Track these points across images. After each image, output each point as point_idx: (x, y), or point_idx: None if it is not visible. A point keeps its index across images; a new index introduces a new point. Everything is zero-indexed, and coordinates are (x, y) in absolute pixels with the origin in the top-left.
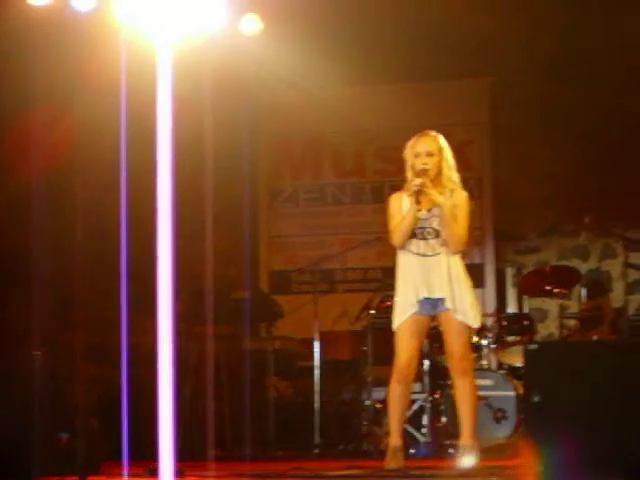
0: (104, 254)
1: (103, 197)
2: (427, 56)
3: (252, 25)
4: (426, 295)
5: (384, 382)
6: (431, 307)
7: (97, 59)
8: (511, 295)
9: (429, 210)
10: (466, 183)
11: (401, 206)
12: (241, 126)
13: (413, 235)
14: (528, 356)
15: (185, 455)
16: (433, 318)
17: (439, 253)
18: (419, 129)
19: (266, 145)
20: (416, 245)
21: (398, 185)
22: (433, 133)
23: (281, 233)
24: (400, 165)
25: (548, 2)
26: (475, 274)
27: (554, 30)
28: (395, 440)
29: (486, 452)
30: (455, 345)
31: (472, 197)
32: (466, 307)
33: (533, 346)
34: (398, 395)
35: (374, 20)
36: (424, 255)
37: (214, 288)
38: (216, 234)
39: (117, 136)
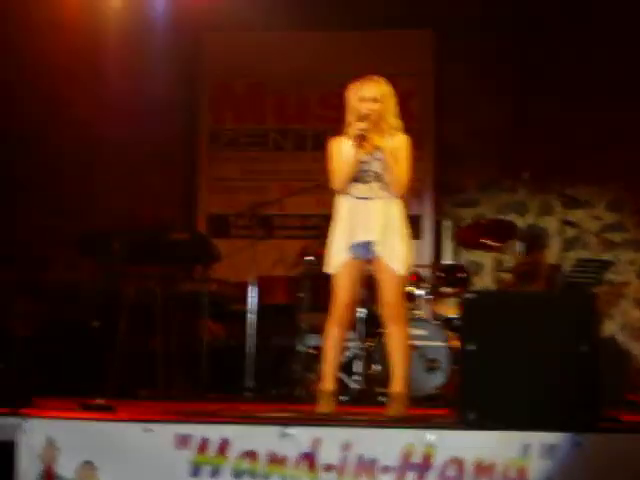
0: (40, 189)
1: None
2: (374, 4)
3: None
4: (362, 238)
5: (318, 329)
6: (366, 251)
7: None
8: (448, 247)
9: (371, 154)
10: (407, 134)
11: (341, 150)
12: (184, 67)
13: (354, 178)
14: (465, 305)
15: (117, 392)
16: (369, 262)
17: (380, 197)
18: (361, 77)
19: (209, 87)
20: (357, 188)
21: (339, 132)
22: (378, 78)
23: (221, 176)
24: (342, 113)
25: None
26: (413, 225)
27: None
28: (328, 385)
29: (417, 401)
30: (387, 292)
31: (414, 148)
32: (397, 254)
33: (470, 295)
34: (334, 338)
35: None
36: (365, 198)
37: (152, 228)
38: (155, 174)
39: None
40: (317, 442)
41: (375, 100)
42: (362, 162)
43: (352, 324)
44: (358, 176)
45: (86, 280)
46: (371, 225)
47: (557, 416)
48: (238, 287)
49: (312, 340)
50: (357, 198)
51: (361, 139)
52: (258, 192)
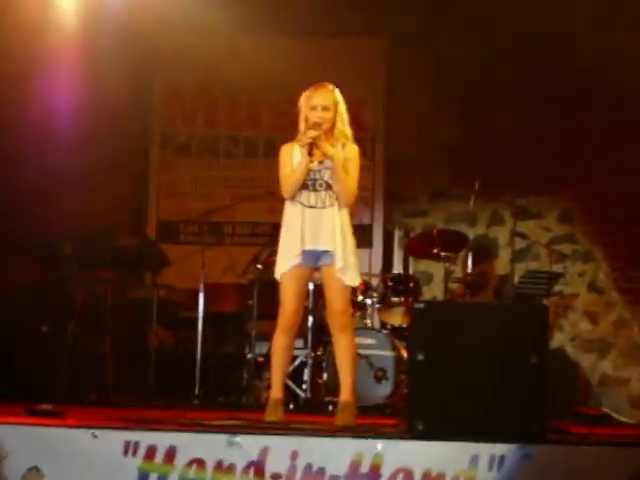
0: None
1: None
2: (326, 11)
3: None
4: (311, 247)
5: (267, 336)
6: (314, 259)
7: None
8: (397, 257)
9: (321, 162)
10: (358, 143)
11: (292, 157)
12: (136, 70)
13: (304, 186)
14: (415, 314)
15: (66, 398)
16: (315, 271)
17: (329, 206)
18: (314, 84)
19: (160, 91)
20: (306, 196)
21: (290, 140)
22: (330, 86)
23: (172, 182)
24: (294, 121)
25: None
26: (363, 234)
27: None
28: (276, 393)
29: (365, 410)
30: (335, 300)
31: (364, 157)
32: (348, 264)
33: (420, 305)
34: (282, 346)
35: None
36: (313, 207)
37: (103, 233)
38: (106, 179)
39: None
40: (265, 451)
41: (326, 108)
42: (313, 170)
43: (300, 332)
44: (308, 184)
45: (35, 284)
46: (321, 234)
47: (506, 427)
48: (187, 293)
49: (261, 348)
50: (306, 206)
51: (312, 147)
52: (208, 199)
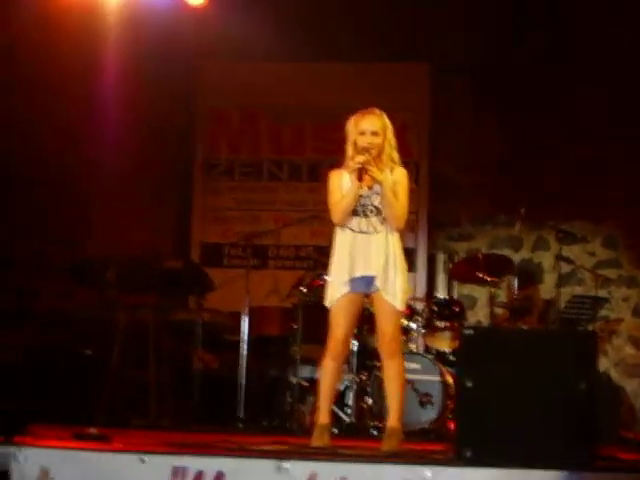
0: (37, 214)
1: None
2: (370, 37)
3: None
4: (362, 272)
5: (311, 360)
6: (365, 285)
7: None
8: (441, 281)
9: (370, 187)
10: (404, 167)
11: (341, 183)
12: (179, 96)
13: (354, 212)
14: (463, 340)
15: (110, 422)
16: (367, 297)
17: (379, 231)
18: (358, 109)
19: (204, 117)
20: (357, 222)
21: (335, 164)
22: (378, 111)
23: (216, 206)
24: (338, 144)
25: None
26: (407, 258)
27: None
28: (323, 418)
29: (410, 436)
30: (386, 326)
31: (410, 181)
32: (397, 289)
33: (469, 331)
34: (330, 372)
35: None
36: (364, 232)
37: (146, 257)
38: (150, 203)
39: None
40: (314, 477)
41: (375, 133)
42: (362, 196)
43: (347, 357)
44: (358, 210)
45: (79, 308)
46: (372, 259)
47: (554, 454)
48: (231, 317)
49: (305, 372)
50: (356, 232)
51: (362, 172)
52: (252, 222)
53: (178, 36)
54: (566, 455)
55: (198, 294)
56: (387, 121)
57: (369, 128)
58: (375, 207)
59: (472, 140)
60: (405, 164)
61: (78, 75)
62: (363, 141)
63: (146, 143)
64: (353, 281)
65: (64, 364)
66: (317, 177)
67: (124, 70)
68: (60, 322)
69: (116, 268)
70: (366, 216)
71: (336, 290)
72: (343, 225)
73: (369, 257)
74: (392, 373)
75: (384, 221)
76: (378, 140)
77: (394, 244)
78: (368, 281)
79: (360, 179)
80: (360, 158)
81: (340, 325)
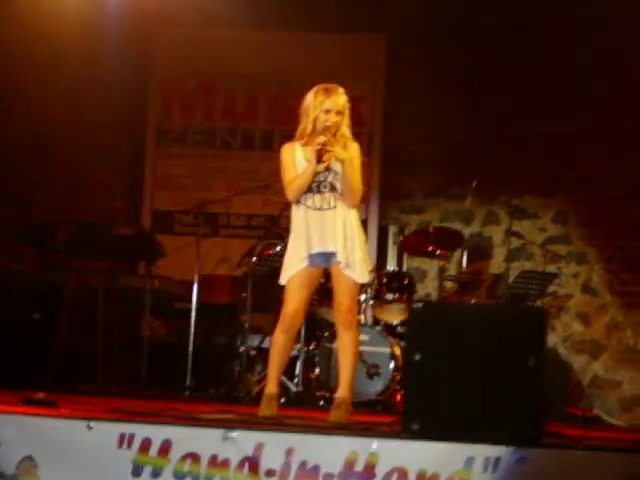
0: None
1: None
2: (327, 7)
3: None
4: (319, 249)
5: (260, 329)
6: (324, 260)
7: None
8: (391, 253)
9: (328, 166)
10: (356, 138)
11: (295, 157)
12: (134, 61)
13: (308, 189)
14: (412, 314)
15: (58, 387)
16: (325, 270)
17: (335, 207)
18: (313, 79)
19: (159, 83)
20: (312, 199)
21: (288, 133)
22: (341, 89)
23: (168, 173)
24: (292, 114)
25: None
26: None
27: None
28: (271, 388)
29: (358, 407)
30: (343, 298)
31: (362, 153)
32: (356, 262)
33: (418, 305)
34: (281, 344)
35: None
36: (320, 209)
37: (97, 223)
38: (102, 167)
39: None
40: (260, 447)
41: (339, 113)
42: (317, 173)
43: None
44: (312, 187)
45: (28, 271)
46: (328, 235)
47: (502, 429)
48: (182, 285)
49: (253, 341)
50: (311, 209)
51: (322, 152)
52: (204, 190)
53: (138, 5)
54: (514, 430)
55: (148, 261)
56: (347, 98)
57: (334, 107)
58: (329, 183)
59: (427, 112)
60: (358, 134)
61: (37, 35)
62: (328, 120)
63: (101, 108)
64: (311, 257)
65: (12, 328)
66: (270, 146)
67: (78, 36)
68: (8, 285)
69: (66, 232)
70: (321, 192)
71: (292, 267)
72: (298, 202)
73: (325, 233)
74: (346, 344)
75: (340, 197)
76: (340, 119)
77: (351, 218)
78: (327, 257)
79: (320, 160)
80: (321, 138)
81: (294, 299)
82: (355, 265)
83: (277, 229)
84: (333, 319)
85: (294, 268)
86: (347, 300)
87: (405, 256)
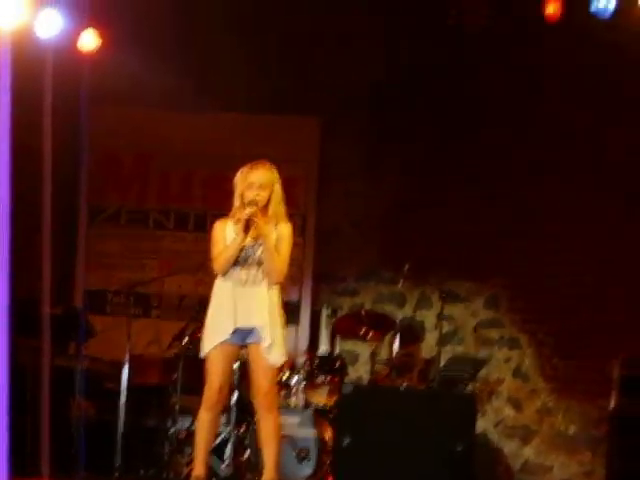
0: None
1: None
2: (263, 88)
3: (90, 40)
4: (241, 324)
5: (191, 411)
6: (242, 337)
7: None
8: (324, 335)
9: (255, 240)
10: (291, 220)
11: (225, 233)
12: (68, 137)
13: (235, 263)
14: (342, 398)
15: None
16: (242, 348)
17: (259, 283)
18: (247, 160)
19: (94, 161)
20: (238, 273)
21: (221, 215)
22: (268, 165)
23: (101, 252)
24: (226, 195)
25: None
26: (291, 312)
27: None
28: (198, 470)
29: None
30: (261, 379)
31: (295, 234)
32: (275, 343)
33: (349, 388)
34: (206, 423)
35: (215, 47)
36: (244, 283)
37: (26, 301)
38: (32, 246)
39: None
40: None
41: (263, 187)
42: (245, 247)
43: (224, 408)
44: (239, 260)
45: None
46: (251, 311)
47: None
48: (112, 365)
49: (183, 422)
50: (237, 283)
51: (248, 224)
52: (137, 270)
53: (69, 81)
54: None
55: (78, 341)
56: (276, 175)
57: (257, 181)
58: (257, 258)
59: (360, 193)
60: (292, 216)
61: None
62: (250, 194)
63: (32, 185)
64: (231, 332)
65: None
66: (203, 228)
67: (14, 107)
68: None
69: None
70: (247, 267)
71: (212, 339)
72: (224, 275)
73: (248, 309)
74: (268, 427)
75: (264, 274)
76: (265, 193)
77: (272, 296)
78: (245, 333)
79: (246, 231)
80: (248, 210)
81: (216, 375)
82: (273, 346)
83: None
84: (252, 401)
85: (215, 340)
86: (266, 382)
87: (338, 339)
